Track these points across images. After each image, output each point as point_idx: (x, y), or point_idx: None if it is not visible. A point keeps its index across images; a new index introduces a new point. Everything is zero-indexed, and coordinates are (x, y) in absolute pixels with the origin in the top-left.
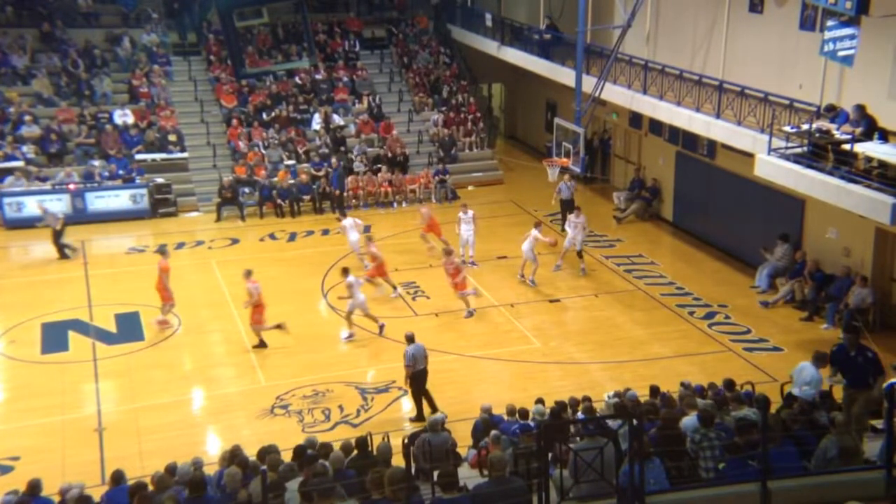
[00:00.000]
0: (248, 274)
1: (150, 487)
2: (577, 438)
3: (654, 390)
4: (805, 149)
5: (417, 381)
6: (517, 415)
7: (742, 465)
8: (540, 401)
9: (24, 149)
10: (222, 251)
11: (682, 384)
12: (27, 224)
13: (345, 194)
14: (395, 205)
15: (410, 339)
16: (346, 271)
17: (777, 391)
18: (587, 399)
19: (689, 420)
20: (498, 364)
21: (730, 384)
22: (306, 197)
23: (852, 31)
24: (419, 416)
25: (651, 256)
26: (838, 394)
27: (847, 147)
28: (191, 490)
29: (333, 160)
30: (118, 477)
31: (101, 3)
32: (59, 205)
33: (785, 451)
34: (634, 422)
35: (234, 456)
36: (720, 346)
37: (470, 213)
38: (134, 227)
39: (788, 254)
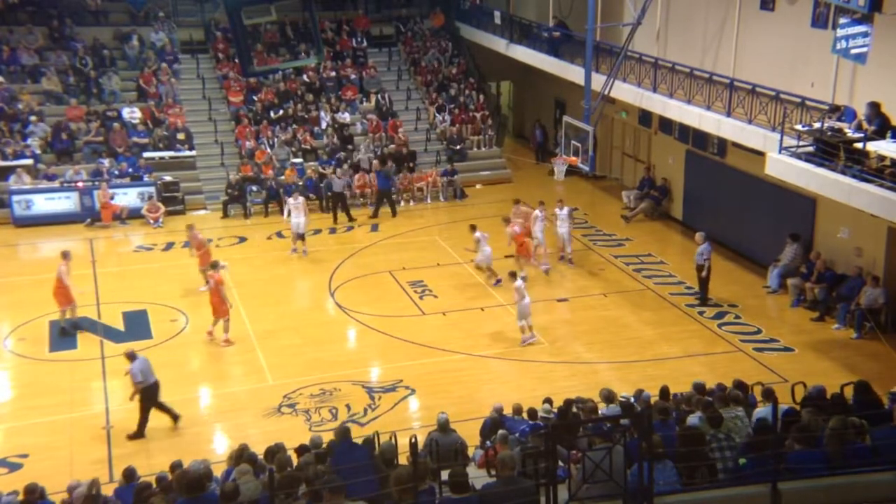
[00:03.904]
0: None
1: (154, 486)
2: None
3: (664, 391)
4: (815, 147)
5: (151, 395)
6: (525, 414)
7: (760, 463)
8: (548, 400)
9: (31, 144)
10: (230, 249)
11: (695, 385)
12: (36, 222)
13: (349, 193)
14: (403, 203)
15: (132, 357)
16: (473, 227)
17: (788, 392)
18: (590, 400)
19: (692, 420)
20: (505, 363)
21: (740, 385)
22: (313, 196)
23: (865, 28)
24: (139, 433)
25: (660, 256)
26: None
27: (859, 146)
28: (188, 491)
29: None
30: (129, 474)
31: (110, 1)
32: (67, 203)
33: (811, 454)
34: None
35: (241, 455)
36: (730, 347)
37: (565, 209)
38: (141, 225)
39: (799, 253)
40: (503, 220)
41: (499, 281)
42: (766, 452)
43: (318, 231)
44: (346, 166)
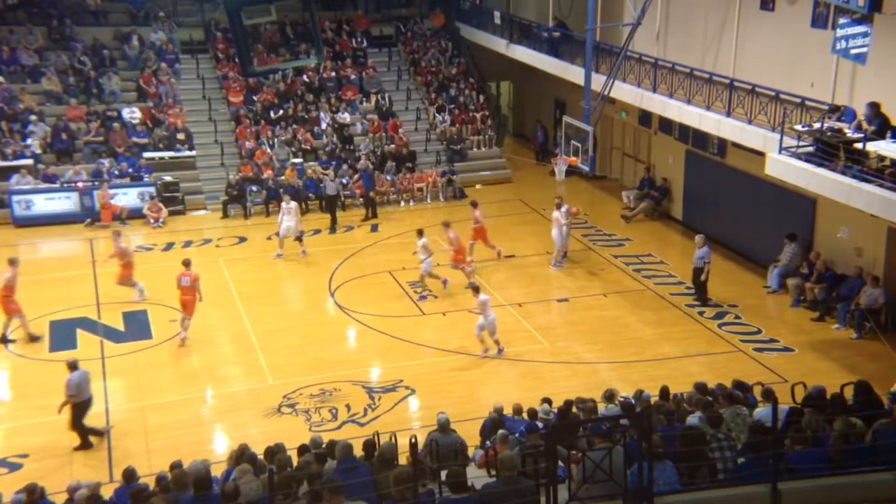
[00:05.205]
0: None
1: (153, 487)
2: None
3: (664, 391)
4: (815, 147)
5: (81, 410)
6: (525, 414)
7: (760, 463)
8: (547, 400)
9: (31, 144)
10: (230, 249)
11: (696, 385)
12: (36, 222)
13: (344, 193)
14: (403, 203)
15: (73, 367)
16: (420, 233)
17: (788, 392)
18: (591, 400)
19: (692, 420)
20: (505, 364)
21: (740, 385)
22: (313, 195)
23: (865, 28)
24: (85, 444)
25: (660, 256)
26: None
27: (859, 146)
28: (196, 489)
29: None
30: (129, 474)
31: (110, 1)
32: (67, 203)
33: (812, 454)
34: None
35: (241, 455)
36: (730, 347)
37: (564, 208)
38: (142, 225)
39: (797, 253)
40: (443, 224)
41: (423, 296)
42: (766, 452)
43: (318, 231)
44: (345, 167)
